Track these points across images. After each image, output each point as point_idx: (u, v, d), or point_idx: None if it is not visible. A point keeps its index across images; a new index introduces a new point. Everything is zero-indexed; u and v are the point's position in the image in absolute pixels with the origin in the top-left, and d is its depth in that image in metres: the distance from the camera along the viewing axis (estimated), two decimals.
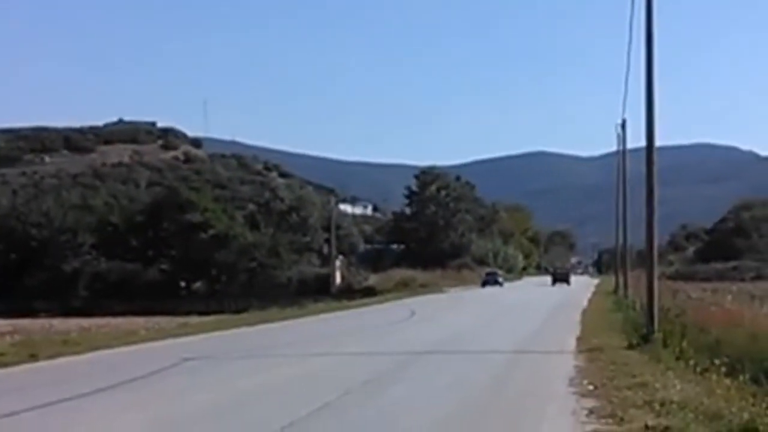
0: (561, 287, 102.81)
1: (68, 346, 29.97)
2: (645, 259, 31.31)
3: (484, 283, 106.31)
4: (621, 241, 73.78)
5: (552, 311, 53.58)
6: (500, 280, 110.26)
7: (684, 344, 25.32)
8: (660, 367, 21.79)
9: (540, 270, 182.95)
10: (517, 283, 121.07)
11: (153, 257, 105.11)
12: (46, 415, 16.52)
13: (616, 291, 74.46)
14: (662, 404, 15.86)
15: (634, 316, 37.28)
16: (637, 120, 35.20)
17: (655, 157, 29.28)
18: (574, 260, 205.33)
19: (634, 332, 30.11)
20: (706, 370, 20.60)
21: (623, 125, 64.61)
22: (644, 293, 31.65)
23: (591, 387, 18.72)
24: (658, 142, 29.27)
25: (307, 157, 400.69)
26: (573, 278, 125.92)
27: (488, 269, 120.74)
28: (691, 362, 22.11)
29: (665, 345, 26.28)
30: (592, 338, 30.88)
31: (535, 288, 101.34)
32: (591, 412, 15.88)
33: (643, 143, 29.84)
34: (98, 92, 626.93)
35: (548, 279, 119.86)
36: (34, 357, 26.22)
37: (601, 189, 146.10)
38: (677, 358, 23.71)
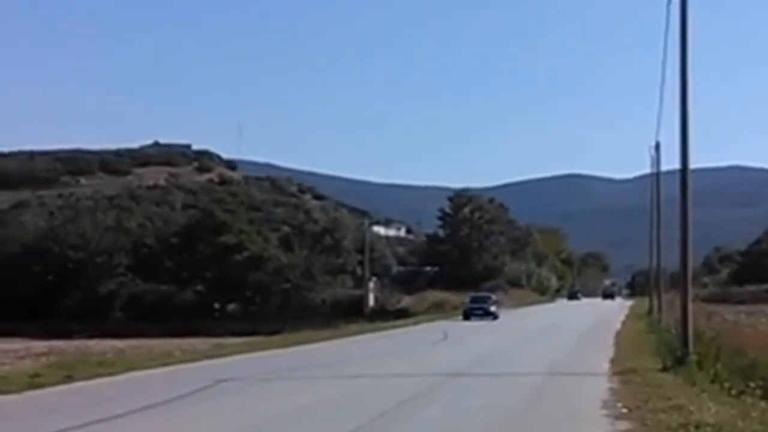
0: (595, 309, 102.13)
1: (103, 367, 30.11)
2: (679, 281, 31.18)
3: (466, 315, 77.78)
4: (655, 263, 73.45)
5: (585, 333, 53.44)
6: (492, 309, 79.44)
7: (719, 367, 25.20)
8: (695, 390, 21.69)
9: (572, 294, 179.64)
10: (549, 307, 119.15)
11: (188, 279, 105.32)
12: None
13: (650, 313, 74.15)
14: (697, 427, 15.80)
15: (669, 339, 37.08)
16: (671, 142, 35.14)
17: (689, 179, 29.18)
18: (607, 282, 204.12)
19: (668, 354, 29.96)
20: (741, 392, 20.51)
21: (657, 147, 64.42)
22: (678, 315, 31.52)
23: (625, 410, 18.68)
24: (692, 165, 29.16)
25: (340, 179, 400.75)
26: (606, 301, 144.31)
27: (474, 293, 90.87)
28: (726, 385, 22.03)
29: (700, 367, 26.16)
30: (626, 360, 30.78)
31: (568, 310, 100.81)
32: None
33: (676, 165, 29.77)
34: (134, 115, 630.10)
35: (573, 302, 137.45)
36: (69, 378, 26.36)
37: (635, 211, 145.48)
38: (712, 381, 23.60)
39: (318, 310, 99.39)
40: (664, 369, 27.24)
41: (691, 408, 18.01)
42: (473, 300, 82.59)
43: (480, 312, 77.29)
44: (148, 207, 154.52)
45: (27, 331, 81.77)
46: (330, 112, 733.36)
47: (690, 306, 29.20)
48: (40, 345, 63.08)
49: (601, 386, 23.53)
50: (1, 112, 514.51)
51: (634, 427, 16.47)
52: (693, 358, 27.35)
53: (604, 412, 18.69)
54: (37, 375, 26.87)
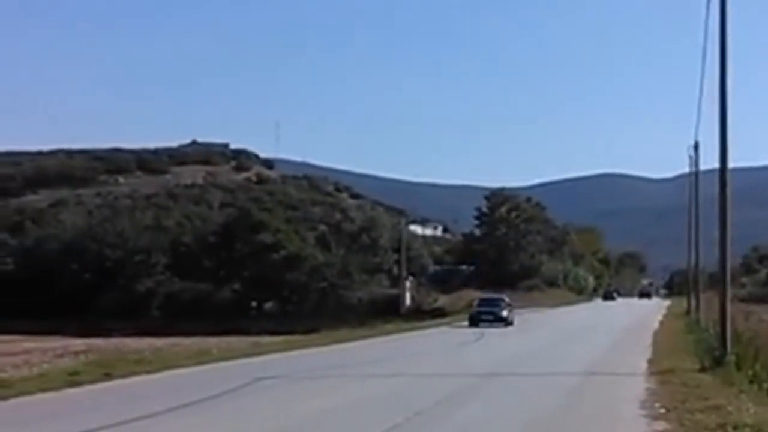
0: (632, 309, 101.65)
1: (141, 365, 30.29)
2: (717, 281, 31.02)
3: (473, 320, 64.80)
4: (693, 262, 73.04)
5: (623, 333, 53.26)
6: (505, 313, 65.93)
7: (757, 367, 25.07)
8: (733, 390, 21.58)
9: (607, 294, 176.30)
10: (585, 306, 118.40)
11: (225, 278, 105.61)
12: None
13: (688, 313, 73.80)
14: (735, 428, 15.74)
15: (707, 339, 36.93)
16: (709, 141, 34.95)
17: (729, 179, 29.00)
18: (645, 282, 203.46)
19: (706, 355, 29.83)
20: None
21: (696, 147, 64.07)
22: (716, 315, 31.36)
23: (663, 410, 18.62)
24: (731, 164, 28.99)
25: (377, 178, 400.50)
26: (642, 301, 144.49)
27: (483, 294, 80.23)
28: (765, 385, 21.92)
29: (738, 368, 26.03)
30: (664, 360, 30.67)
31: (605, 310, 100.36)
32: None
33: (715, 165, 29.61)
34: (172, 114, 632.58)
35: (608, 303, 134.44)
36: (108, 376, 26.52)
37: (673, 211, 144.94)
38: (750, 381, 23.47)
39: (354, 309, 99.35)
40: (702, 369, 27.11)
41: (730, 408, 17.93)
42: (482, 303, 69.96)
43: (490, 317, 64.55)
44: (186, 206, 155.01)
45: (65, 329, 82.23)
46: (366, 111, 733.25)
47: (728, 306, 29.03)
48: (78, 343, 63.41)
49: (638, 386, 23.46)
50: (41, 112, 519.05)
51: (672, 428, 16.42)
52: (731, 358, 27.20)
53: (642, 412, 18.64)
54: (75, 373, 27.07)
